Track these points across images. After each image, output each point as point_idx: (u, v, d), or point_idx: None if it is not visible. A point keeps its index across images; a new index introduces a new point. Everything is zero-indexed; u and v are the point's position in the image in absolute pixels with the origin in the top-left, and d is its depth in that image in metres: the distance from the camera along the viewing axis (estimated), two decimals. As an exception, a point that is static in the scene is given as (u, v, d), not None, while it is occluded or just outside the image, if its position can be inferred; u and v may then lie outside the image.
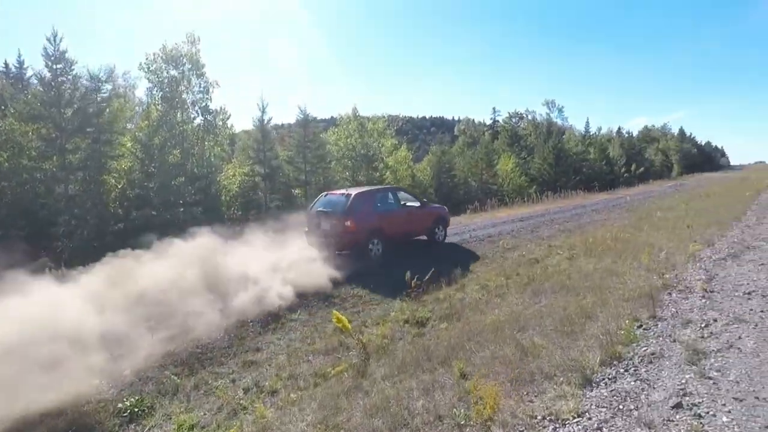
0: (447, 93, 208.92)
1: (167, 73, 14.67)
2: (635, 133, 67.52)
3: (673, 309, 4.53)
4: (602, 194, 28.80)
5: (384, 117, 25.08)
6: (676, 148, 69.56)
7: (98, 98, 14.11)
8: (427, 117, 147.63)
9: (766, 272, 5.56)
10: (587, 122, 54.49)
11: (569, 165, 34.65)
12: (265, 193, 17.16)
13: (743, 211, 12.59)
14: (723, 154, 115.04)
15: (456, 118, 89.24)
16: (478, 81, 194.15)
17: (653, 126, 75.49)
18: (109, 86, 27.08)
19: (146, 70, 14.44)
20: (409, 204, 10.89)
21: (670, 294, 5.11)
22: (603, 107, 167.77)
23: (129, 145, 14.65)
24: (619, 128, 61.77)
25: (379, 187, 11.97)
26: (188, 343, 5.54)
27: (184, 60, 14.78)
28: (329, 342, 5.42)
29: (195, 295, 6.82)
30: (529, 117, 47.71)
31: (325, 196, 10.23)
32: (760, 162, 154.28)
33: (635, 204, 20.61)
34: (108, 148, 13.93)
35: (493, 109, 57.58)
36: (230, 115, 16.45)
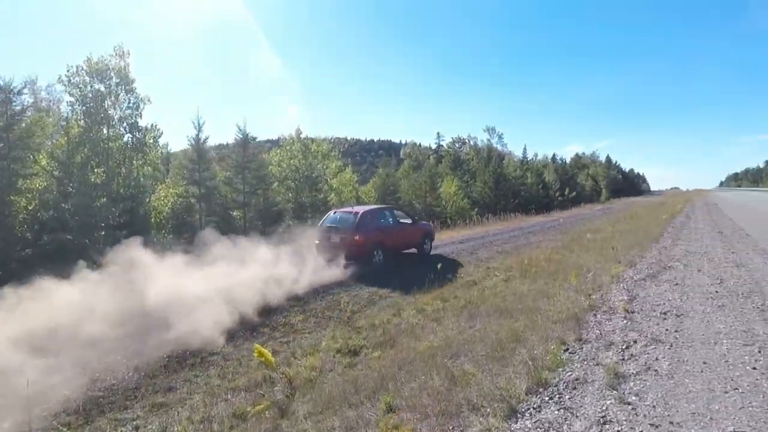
0: (395, 117, 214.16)
1: (91, 87, 13.66)
2: (568, 160, 72.50)
3: (597, 331, 4.59)
4: (539, 217, 30.23)
5: (328, 139, 24.99)
6: (604, 174, 75.06)
7: (9, 111, 12.80)
8: (375, 140, 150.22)
9: (679, 292, 5.86)
10: (525, 149, 57.63)
11: (508, 189, 36.14)
12: (201, 214, 16.26)
13: (661, 233, 13.55)
14: (644, 180, 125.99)
15: (403, 142, 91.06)
16: (424, 107, 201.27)
17: (584, 153, 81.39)
18: (28, 99, 24.94)
19: (67, 83, 13.34)
20: (402, 221, 12.43)
21: (595, 315, 5.22)
22: (541, 134, 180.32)
23: (44, 162, 13.36)
24: (554, 155, 65.75)
25: (380, 206, 13.28)
26: (88, 386, 4.88)
27: (111, 74, 13.85)
28: (253, 377, 4.99)
29: (104, 329, 6.14)
30: (471, 142, 49.56)
31: (334, 213, 11.62)
32: (675, 188, 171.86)
33: (568, 226, 21.72)
34: (19, 165, 12.59)
35: (438, 134, 59.59)
36: (162, 133, 15.63)
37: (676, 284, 6.32)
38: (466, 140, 50.74)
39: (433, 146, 55.90)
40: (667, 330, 4.37)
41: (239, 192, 16.90)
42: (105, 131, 14.19)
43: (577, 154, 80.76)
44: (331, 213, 11.77)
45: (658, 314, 4.96)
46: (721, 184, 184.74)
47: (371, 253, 10.67)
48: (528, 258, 11.47)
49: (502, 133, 54.77)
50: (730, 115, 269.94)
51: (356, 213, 10.91)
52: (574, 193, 49.38)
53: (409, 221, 12.63)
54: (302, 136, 22.98)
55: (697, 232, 12.94)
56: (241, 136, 16.66)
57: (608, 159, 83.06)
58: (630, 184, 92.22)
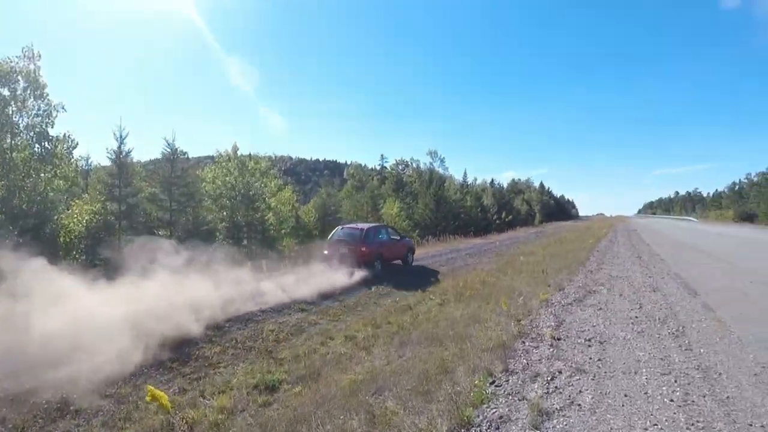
0: (341, 138, 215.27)
1: (-8, 90, 12.18)
2: (505, 185, 76.25)
3: (524, 360, 4.46)
4: (477, 239, 30.99)
5: (270, 157, 24.19)
6: (538, 200, 79.38)
7: None
8: (321, 160, 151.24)
9: (603, 317, 5.95)
10: (465, 173, 59.58)
11: (449, 211, 36.92)
12: (120, 234, 14.87)
13: (587, 257, 14.20)
14: (574, 206, 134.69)
15: (349, 162, 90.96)
16: (372, 129, 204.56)
17: (519, 179, 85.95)
18: None
19: (-39, 85, 11.78)
20: (393, 237, 14.48)
21: (523, 342, 5.12)
22: (481, 159, 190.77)
23: (-71, 174, 11.64)
24: (492, 180, 68.70)
25: (378, 224, 15.35)
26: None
27: (18, 77, 12.46)
28: (149, 424, 4.32)
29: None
30: (414, 165, 50.33)
31: (342, 228, 13.76)
32: (601, 214, 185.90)
33: (503, 249, 22.36)
34: None
35: (381, 155, 59.85)
36: (77, 144, 14.16)
37: (600, 309, 6.44)
38: (409, 163, 51.41)
39: (378, 167, 56.31)
40: (590, 359, 4.32)
41: (165, 210, 15.71)
42: (8, 140, 12.66)
43: (513, 180, 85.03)
44: (338, 229, 13.91)
45: (583, 341, 4.94)
46: (639, 211, 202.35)
47: (373, 262, 12.45)
48: (464, 281, 11.48)
49: (444, 157, 56.02)
50: (646, 150, 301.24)
51: (361, 229, 13.09)
52: (510, 217, 51.61)
53: (398, 237, 14.78)
54: (239, 152, 22.05)
55: (619, 257, 13.68)
56: (169, 150, 15.57)
57: (542, 185, 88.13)
58: (561, 209, 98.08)
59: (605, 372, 3.95)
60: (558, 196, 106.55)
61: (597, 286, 8.36)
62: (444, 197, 38.10)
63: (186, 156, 16.48)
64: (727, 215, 62.70)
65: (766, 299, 6.80)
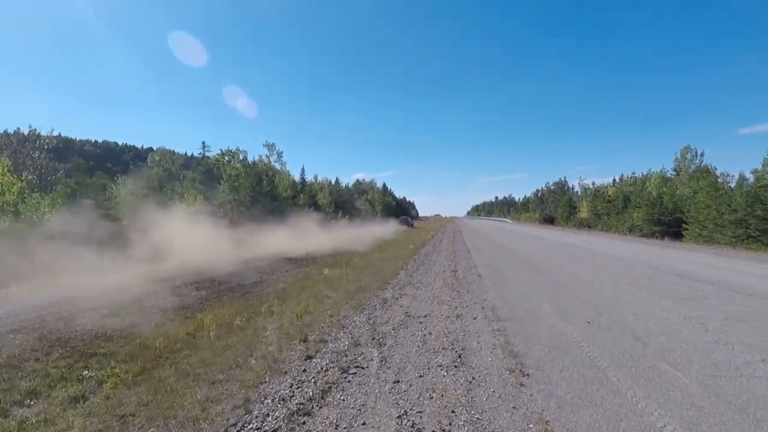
0: (178, 125, 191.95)
1: None
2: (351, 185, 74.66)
3: None
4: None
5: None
6: (380, 200, 79.46)
7: None
8: (155, 148, 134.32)
9: None
10: (303, 170, 55.29)
11: (275, 208, 32.11)
12: None
13: (397, 271, 11.03)
14: (414, 207, 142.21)
15: (189, 153, 78.06)
16: (217, 120, 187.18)
17: (365, 180, 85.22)
18: None
19: None
20: (411, 218, 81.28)
21: None
22: (335, 161, 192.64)
23: None
24: (337, 179, 66.31)
25: (408, 216, 74.37)
26: None
27: None
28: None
29: None
30: (242, 156, 43.87)
31: (401, 218, 63.64)
32: (437, 215, 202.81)
33: (318, 255, 18.54)
34: None
35: (203, 143, 51.72)
36: None
37: (341, 427, 2.54)
38: (237, 153, 44.68)
39: (198, 155, 47.98)
40: None
41: None
42: None
43: (358, 180, 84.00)
44: (401, 218, 62.67)
45: None
46: (468, 213, 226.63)
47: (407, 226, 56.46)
48: (195, 325, 6.97)
49: (282, 152, 50.81)
50: (475, 159, 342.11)
51: (409, 217, 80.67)
52: (348, 216, 49.07)
53: (410, 219, 71.67)
54: None
55: (432, 272, 10.74)
56: None
57: (384, 186, 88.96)
58: (402, 210, 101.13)
59: None
60: (400, 198, 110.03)
61: (370, 349, 4.64)
62: (272, 193, 33.15)
63: None
64: (534, 217, 71.21)
65: (630, 381, 3.84)
